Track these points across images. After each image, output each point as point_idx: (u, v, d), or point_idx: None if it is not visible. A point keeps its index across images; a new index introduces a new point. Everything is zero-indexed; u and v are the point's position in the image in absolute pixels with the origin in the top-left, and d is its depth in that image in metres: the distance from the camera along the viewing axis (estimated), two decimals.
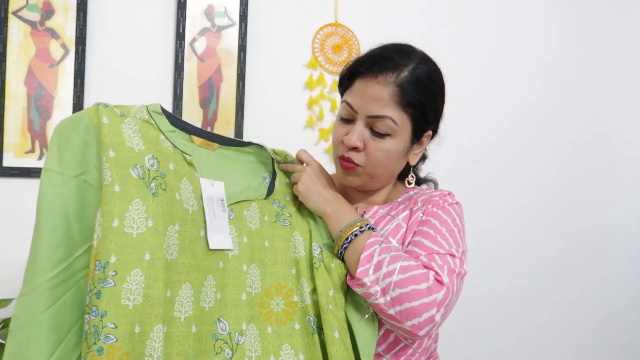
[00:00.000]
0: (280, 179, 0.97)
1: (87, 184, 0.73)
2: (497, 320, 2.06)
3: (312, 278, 0.87)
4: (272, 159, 0.96)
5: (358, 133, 0.90)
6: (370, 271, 0.81)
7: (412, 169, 1.03)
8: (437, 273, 0.82)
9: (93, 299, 0.67)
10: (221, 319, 0.79)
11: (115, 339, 0.66)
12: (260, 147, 0.94)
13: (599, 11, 2.24)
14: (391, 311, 0.79)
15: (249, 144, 0.92)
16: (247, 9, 1.63)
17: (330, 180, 0.98)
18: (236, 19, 1.62)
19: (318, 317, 0.86)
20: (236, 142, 0.92)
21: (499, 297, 2.07)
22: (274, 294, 0.87)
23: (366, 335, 0.87)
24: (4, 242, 1.40)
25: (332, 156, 1.00)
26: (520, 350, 2.14)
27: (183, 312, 0.74)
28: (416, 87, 0.90)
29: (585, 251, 2.29)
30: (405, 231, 0.95)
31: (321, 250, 0.90)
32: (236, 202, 0.88)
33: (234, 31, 1.62)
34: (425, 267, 0.83)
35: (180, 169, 0.80)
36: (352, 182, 0.96)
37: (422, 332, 0.79)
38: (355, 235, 0.87)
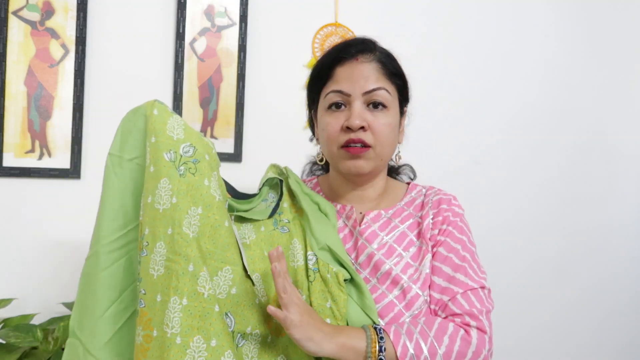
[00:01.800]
0: (284, 196, 0.97)
1: (138, 166, 0.82)
2: (497, 320, 2.06)
3: (309, 290, 0.86)
4: (281, 181, 0.98)
5: (360, 112, 0.91)
6: None
7: (398, 149, 1.04)
8: (477, 320, 0.88)
9: (138, 267, 0.77)
10: (229, 314, 0.79)
11: (144, 304, 0.75)
12: (265, 183, 0.98)
13: (599, 11, 2.24)
14: None
15: (254, 195, 0.96)
16: (247, 9, 1.63)
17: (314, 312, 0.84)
18: (236, 19, 1.62)
19: None
20: (247, 195, 0.95)
21: (499, 297, 2.05)
22: (275, 305, 0.85)
23: None
24: (4, 242, 1.40)
25: (328, 151, 0.97)
26: (520, 350, 2.14)
27: (207, 289, 0.75)
28: (392, 60, 0.97)
29: (585, 251, 2.29)
30: (411, 239, 0.95)
31: (316, 259, 0.88)
32: (236, 215, 0.89)
33: (234, 31, 1.62)
34: (465, 313, 0.87)
35: (213, 162, 0.84)
36: (363, 168, 0.93)
37: None
38: (382, 349, 0.80)
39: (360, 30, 1.78)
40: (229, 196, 0.90)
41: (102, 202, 0.82)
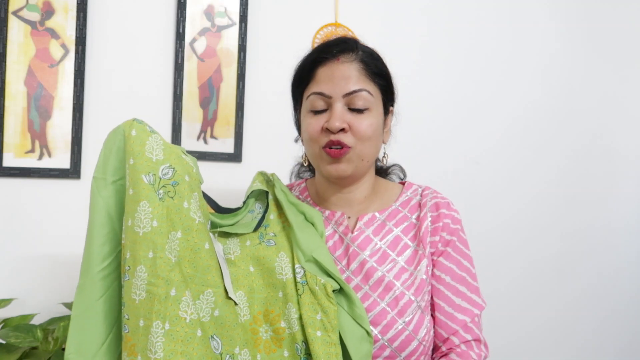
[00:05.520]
0: (270, 207, 0.96)
1: (123, 187, 0.81)
2: (497, 320, 2.06)
3: (299, 303, 0.85)
4: (267, 192, 0.96)
5: (340, 114, 0.89)
6: None
7: (383, 149, 1.04)
8: (485, 347, 0.95)
9: (122, 292, 0.77)
10: (214, 336, 0.78)
11: (128, 330, 0.74)
12: (250, 195, 0.96)
13: (599, 13, 2.24)
14: None
15: (238, 208, 0.94)
16: (247, 9, 1.63)
17: None
18: (236, 19, 1.62)
19: (307, 343, 0.84)
20: (230, 210, 0.94)
21: (499, 298, 2.07)
22: (262, 321, 0.85)
23: (362, 353, 0.84)
24: (4, 242, 1.40)
25: (310, 155, 0.97)
26: (521, 350, 2.14)
27: (189, 314, 0.74)
28: (374, 60, 0.94)
29: (586, 252, 2.29)
30: (406, 243, 0.95)
31: (304, 272, 0.87)
32: (219, 231, 0.88)
33: (234, 31, 1.62)
34: (484, 342, 0.95)
35: (193, 183, 0.82)
36: (344, 171, 0.92)
37: None
38: None
39: (360, 30, 1.78)
40: (212, 211, 0.89)
41: (90, 227, 0.80)
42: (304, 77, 0.96)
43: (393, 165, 1.11)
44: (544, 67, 2.14)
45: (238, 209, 0.94)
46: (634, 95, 2.36)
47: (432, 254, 0.95)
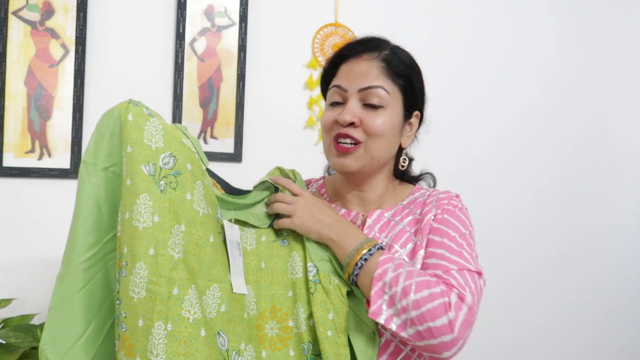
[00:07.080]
0: None
1: (115, 174, 0.76)
2: (497, 320, 2.07)
3: (309, 302, 0.83)
4: (277, 188, 0.94)
5: (353, 107, 0.90)
6: (384, 307, 0.78)
7: (404, 153, 1.01)
8: (471, 296, 0.78)
9: (117, 286, 0.72)
10: (221, 333, 0.76)
11: (125, 328, 0.70)
12: (263, 183, 0.92)
13: (599, 12, 2.24)
14: (415, 342, 0.77)
15: (249, 191, 0.91)
16: (247, 9, 1.63)
17: (325, 203, 0.93)
18: (236, 19, 1.62)
19: (314, 343, 0.83)
20: (241, 191, 0.90)
21: (499, 298, 2.07)
22: (269, 318, 0.84)
23: (368, 354, 0.84)
24: (4, 242, 1.40)
25: (324, 145, 0.97)
26: (521, 350, 2.14)
27: (192, 313, 0.71)
28: (399, 61, 0.93)
29: (586, 251, 2.29)
30: (410, 236, 0.93)
31: (317, 271, 0.85)
32: (235, 220, 0.86)
33: (234, 31, 1.62)
34: (445, 284, 0.79)
35: (196, 171, 0.78)
36: (350, 166, 0.91)
37: (446, 354, 0.76)
38: (365, 259, 0.82)
39: (360, 30, 1.78)
40: (223, 192, 0.86)
41: (76, 214, 0.75)
42: (328, 72, 0.98)
43: (426, 174, 1.10)
44: (544, 67, 2.14)
45: (249, 191, 0.91)
46: (633, 94, 2.36)
47: (427, 233, 0.91)
